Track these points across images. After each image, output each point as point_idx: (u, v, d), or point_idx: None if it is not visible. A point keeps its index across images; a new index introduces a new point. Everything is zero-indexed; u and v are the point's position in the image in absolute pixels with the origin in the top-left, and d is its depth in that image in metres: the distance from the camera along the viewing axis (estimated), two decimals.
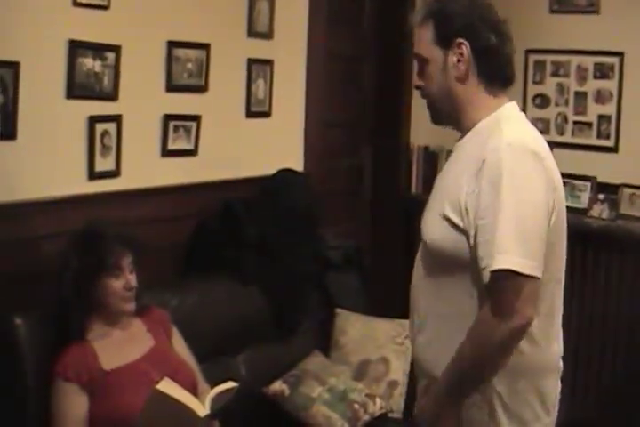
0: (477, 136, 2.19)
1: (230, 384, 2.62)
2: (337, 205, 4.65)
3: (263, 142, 4.06)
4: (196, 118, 3.64)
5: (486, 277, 2.03)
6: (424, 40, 2.24)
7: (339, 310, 3.89)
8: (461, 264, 2.13)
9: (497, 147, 2.06)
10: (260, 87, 4.00)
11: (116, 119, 3.28)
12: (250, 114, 3.97)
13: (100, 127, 3.21)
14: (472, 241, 2.08)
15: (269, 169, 3.90)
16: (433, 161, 5.10)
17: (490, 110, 2.21)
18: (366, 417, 3.46)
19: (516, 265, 1.99)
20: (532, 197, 2.05)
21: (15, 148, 2.94)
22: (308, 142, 4.32)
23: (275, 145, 4.13)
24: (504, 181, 2.02)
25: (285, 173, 3.91)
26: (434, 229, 2.18)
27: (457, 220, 2.11)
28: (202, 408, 2.50)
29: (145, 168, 3.46)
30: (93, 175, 3.22)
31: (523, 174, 2.05)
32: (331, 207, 4.24)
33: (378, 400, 3.52)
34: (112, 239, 2.77)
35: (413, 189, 5.15)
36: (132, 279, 2.77)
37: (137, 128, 3.38)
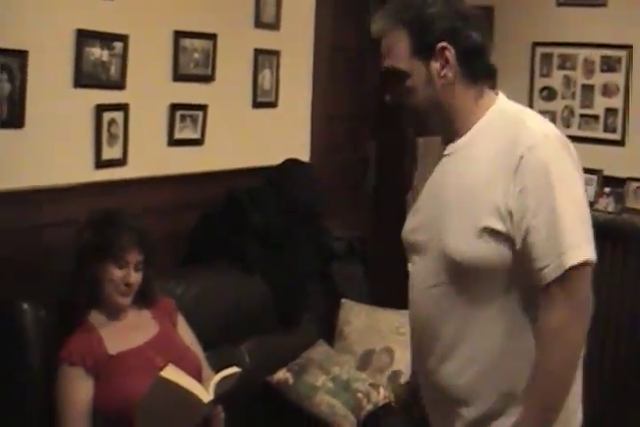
0: (485, 133, 2.06)
1: (234, 370, 2.64)
2: (341, 196, 4.67)
3: (269, 133, 4.07)
4: (203, 108, 3.66)
5: (548, 275, 1.93)
6: (400, 52, 2.05)
7: (343, 300, 3.91)
8: (501, 274, 2.01)
9: (534, 142, 1.96)
10: (266, 78, 4.02)
11: (123, 108, 3.30)
12: (256, 104, 3.99)
13: (107, 116, 3.23)
14: (519, 243, 1.96)
15: (275, 159, 3.91)
16: None
17: (485, 108, 2.08)
18: (370, 406, 3.47)
19: (590, 255, 1.95)
20: (578, 186, 2.00)
21: (23, 136, 2.97)
22: (313, 133, 4.34)
23: (281, 135, 4.15)
24: (552, 175, 1.93)
25: (291, 164, 3.92)
26: (469, 246, 2.00)
27: (499, 226, 1.97)
28: (205, 394, 2.51)
29: (152, 157, 3.48)
30: (100, 163, 3.24)
31: (566, 166, 1.98)
32: (335, 198, 4.26)
33: (381, 390, 3.53)
34: (127, 232, 2.78)
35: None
36: (134, 277, 2.77)
37: (144, 117, 3.40)
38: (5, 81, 2.88)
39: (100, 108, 3.21)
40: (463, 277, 2.04)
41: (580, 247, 1.94)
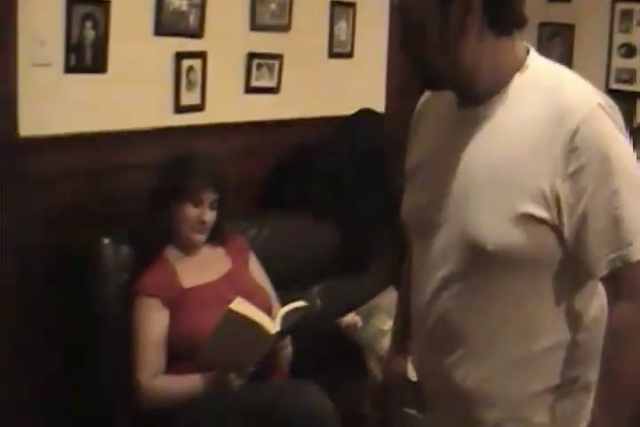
0: (520, 98, 1.73)
1: (300, 303, 2.73)
2: None
3: (344, 82, 4.11)
4: (279, 57, 3.74)
5: (609, 267, 1.67)
6: None
7: None
8: (534, 264, 1.74)
9: (588, 112, 1.66)
10: (342, 29, 4.06)
11: (202, 56, 3.40)
12: (332, 54, 4.04)
13: (185, 63, 3.34)
14: (570, 231, 1.68)
15: (349, 109, 3.96)
16: None
17: (516, 66, 1.75)
18: None
19: None
20: (634, 162, 1.72)
21: (106, 81, 3.10)
22: (389, 84, 4.36)
23: (356, 85, 4.18)
24: (611, 152, 1.65)
25: (364, 114, 3.96)
26: (502, 233, 1.69)
27: (541, 213, 1.67)
28: (273, 325, 2.61)
29: (228, 103, 3.58)
30: (179, 109, 3.35)
31: (621, 140, 1.70)
32: None
33: None
34: (203, 172, 2.90)
35: None
36: (209, 215, 2.88)
37: (221, 65, 3.49)
38: (90, 28, 3.01)
39: (180, 56, 3.32)
40: (494, 266, 1.73)
41: None
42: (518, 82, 1.74)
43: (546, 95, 1.70)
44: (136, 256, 2.91)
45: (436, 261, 1.81)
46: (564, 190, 1.66)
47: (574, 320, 1.79)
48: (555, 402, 1.81)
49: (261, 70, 3.68)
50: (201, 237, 2.90)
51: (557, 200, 1.66)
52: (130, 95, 3.18)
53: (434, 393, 1.95)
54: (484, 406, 1.83)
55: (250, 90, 3.66)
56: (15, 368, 2.89)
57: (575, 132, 1.64)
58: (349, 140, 3.80)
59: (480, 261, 1.73)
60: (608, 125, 1.68)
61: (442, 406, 1.95)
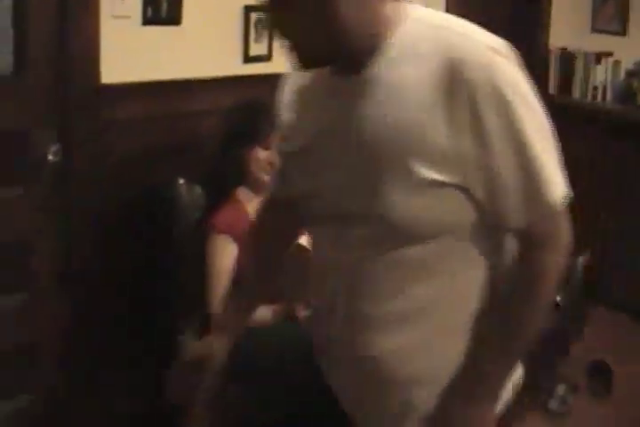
0: (408, 51, 1.57)
1: None
2: None
3: None
4: None
5: (525, 219, 1.61)
6: None
7: None
8: (448, 230, 1.63)
9: (483, 58, 1.52)
10: None
11: None
12: None
13: (254, 16, 3.50)
14: (480, 189, 1.58)
15: None
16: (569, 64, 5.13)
17: (391, 16, 1.58)
18: None
19: (566, 189, 1.64)
20: (539, 107, 1.61)
21: (180, 32, 3.28)
22: None
23: None
24: (514, 100, 1.54)
25: None
26: (410, 202, 1.58)
27: (444, 177, 1.56)
28: None
29: None
30: (248, 59, 3.53)
31: (523, 84, 1.59)
32: None
33: None
34: (272, 117, 3.04)
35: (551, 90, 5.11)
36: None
37: None
38: None
39: (249, 9, 3.48)
40: (403, 237, 1.63)
41: (558, 183, 1.62)
42: (400, 35, 1.58)
43: (437, 43, 1.55)
44: (208, 196, 3.09)
45: (349, 243, 1.70)
46: (467, 147, 1.54)
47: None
48: None
49: None
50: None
51: (462, 159, 1.55)
52: (202, 46, 3.35)
53: (347, 381, 1.83)
54: (412, 386, 1.73)
55: None
56: (97, 300, 3.13)
57: (470, 80, 1.51)
58: None
59: (394, 236, 1.62)
60: (505, 69, 1.55)
61: (357, 395, 1.82)
